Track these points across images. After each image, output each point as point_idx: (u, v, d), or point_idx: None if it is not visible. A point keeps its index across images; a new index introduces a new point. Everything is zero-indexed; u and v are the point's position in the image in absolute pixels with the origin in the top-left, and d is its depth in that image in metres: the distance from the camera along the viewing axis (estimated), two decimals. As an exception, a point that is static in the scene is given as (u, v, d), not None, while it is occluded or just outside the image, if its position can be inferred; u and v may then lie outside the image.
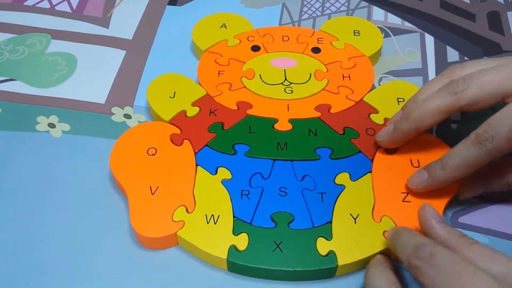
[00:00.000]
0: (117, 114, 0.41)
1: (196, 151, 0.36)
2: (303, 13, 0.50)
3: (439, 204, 0.33)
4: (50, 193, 0.36)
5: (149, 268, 0.32)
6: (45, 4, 0.51)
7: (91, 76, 0.44)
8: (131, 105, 0.41)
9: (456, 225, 0.34)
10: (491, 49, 0.46)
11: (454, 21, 0.49)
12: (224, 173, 0.35)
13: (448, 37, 0.47)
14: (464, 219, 0.34)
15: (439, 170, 0.32)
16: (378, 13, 0.50)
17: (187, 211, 0.32)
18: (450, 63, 0.45)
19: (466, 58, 0.45)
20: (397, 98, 0.39)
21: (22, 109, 0.41)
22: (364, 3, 0.51)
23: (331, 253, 0.31)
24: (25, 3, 0.51)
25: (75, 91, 0.42)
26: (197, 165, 0.35)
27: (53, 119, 0.40)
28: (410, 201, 0.33)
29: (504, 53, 0.45)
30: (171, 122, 0.38)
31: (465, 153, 0.31)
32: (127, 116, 0.41)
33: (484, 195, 0.35)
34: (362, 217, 0.32)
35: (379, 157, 0.36)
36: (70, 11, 0.50)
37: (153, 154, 0.36)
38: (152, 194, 0.33)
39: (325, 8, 0.50)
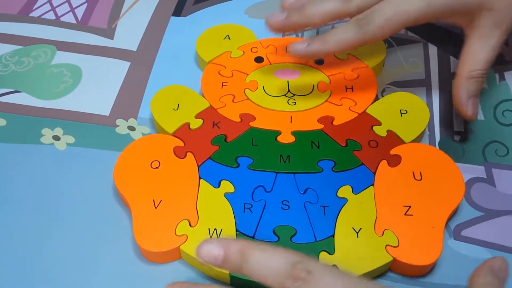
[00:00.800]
0: (121, 126, 0.41)
1: (199, 164, 0.37)
2: (306, 24, 0.50)
3: (441, 216, 0.33)
4: (54, 206, 0.36)
5: (152, 282, 0.32)
6: (50, 15, 0.52)
7: (96, 88, 0.45)
8: (135, 117, 0.42)
9: (458, 238, 0.34)
10: (495, 60, 0.45)
11: (458, 31, 0.49)
12: (227, 186, 0.35)
13: (451, 47, 0.47)
14: (467, 232, 0.35)
15: (319, 42, 0.37)
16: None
17: (190, 225, 0.33)
18: (454, 74, 0.45)
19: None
20: (400, 110, 0.40)
21: (27, 121, 0.42)
22: (367, 14, 0.51)
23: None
24: (31, 14, 0.52)
25: (80, 103, 0.43)
26: (200, 178, 0.36)
27: (58, 131, 0.41)
28: (412, 215, 0.33)
29: (507, 64, 0.45)
30: (174, 134, 0.39)
31: (345, 31, 0.36)
32: (131, 128, 0.41)
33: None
34: (365, 230, 0.33)
35: (382, 170, 0.36)
36: (75, 22, 0.51)
37: (156, 167, 0.36)
38: (155, 208, 0.34)
39: (328, 19, 0.51)
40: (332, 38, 0.37)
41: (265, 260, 0.26)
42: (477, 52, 0.37)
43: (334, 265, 0.31)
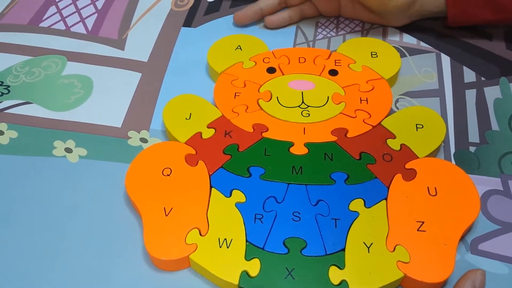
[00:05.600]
0: (134, 138, 0.44)
1: (211, 172, 0.39)
2: (317, 33, 0.53)
3: (455, 234, 0.35)
4: (66, 218, 0.39)
5: (161, 290, 0.35)
6: (61, 26, 0.56)
7: (107, 99, 0.48)
8: (147, 129, 0.45)
9: (475, 252, 0.36)
10: (509, 69, 0.48)
11: (470, 41, 0.51)
12: (238, 196, 0.38)
13: (464, 57, 0.50)
14: (484, 246, 0.37)
15: None
16: (393, 32, 0.53)
17: (200, 234, 0.36)
18: (467, 84, 0.48)
19: (483, 78, 0.48)
20: (416, 124, 0.42)
21: (39, 133, 0.45)
22: (379, 23, 0.54)
23: (343, 282, 0.33)
24: (40, 25, 0.56)
25: (91, 114, 0.46)
26: (211, 187, 0.38)
27: (70, 143, 0.44)
28: (425, 231, 0.35)
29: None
30: (186, 144, 0.41)
31: None
32: (143, 140, 0.44)
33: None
34: (376, 245, 0.35)
35: (396, 183, 0.38)
36: (86, 33, 0.55)
37: (168, 175, 0.39)
38: (166, 216, 0.36)
39: (339, 29, 0.54)
40: None
41: None
42: None
43: (344, 280, 0.33)
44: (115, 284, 0.35)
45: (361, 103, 0.44)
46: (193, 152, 0.41)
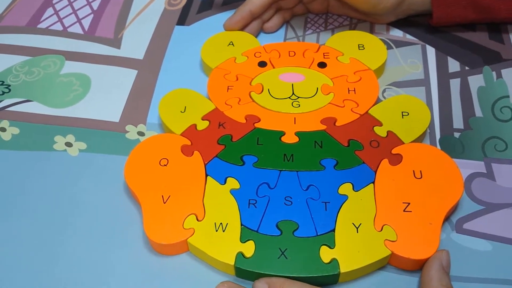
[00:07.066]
0: (131, 132, 0.46)
1: (206, 162, 0.41)
2: (307, 29, 0.55)
3: (439, 213, 0.37)
4: (69, 208, 0.41)
5: (161, 273, 0.37)
6: (58, 26, 0.58)
7: (105, 96, 0.49)
8: (144, 123, 0.47)
9: (460, 231, 0.38)
10: (491, 58, 0.50)
11: (455, 32, 0.53)
12: (232, 183, 0.39)
13: (449, 48, 0.52)
14: (469, 225, 0.38)
15: None
16: (380, 26, 0.55)
17: (197, 219, 0.37)
18: (452, 73, 0.49)
19: (467, 67, 0.50)
20: (402, 112, 0.44)
21: (40, 129, 0.47)
22: (367, 17, 0.56)
23: (333, 261, 0.35)
24: (39, 26, 0.58)
25: (90, 110, 0.48)
26: (207, 175, 0.40)
27: (70, 138, 0.46)
28: (411, 211, 0.37)
29: (504, 61, 0.50)
30: (182, 135, 0.43)
31: None
32: (141, 134, 0.46)
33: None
34: (364, 226, 0.37)
35: (383, 168, 0.40)
36: (82, 33, 0.57)
37: (165, 165, 0.41)
38: (164, 203, 0.38)
39: (328, 24, 0.56)
40: None
41: None
42: None
43: (334, 259, 0.35)
44: (117, 269, 0.37)
45: (349, 93, 0.46)
46: (189, 143, 0.42)
